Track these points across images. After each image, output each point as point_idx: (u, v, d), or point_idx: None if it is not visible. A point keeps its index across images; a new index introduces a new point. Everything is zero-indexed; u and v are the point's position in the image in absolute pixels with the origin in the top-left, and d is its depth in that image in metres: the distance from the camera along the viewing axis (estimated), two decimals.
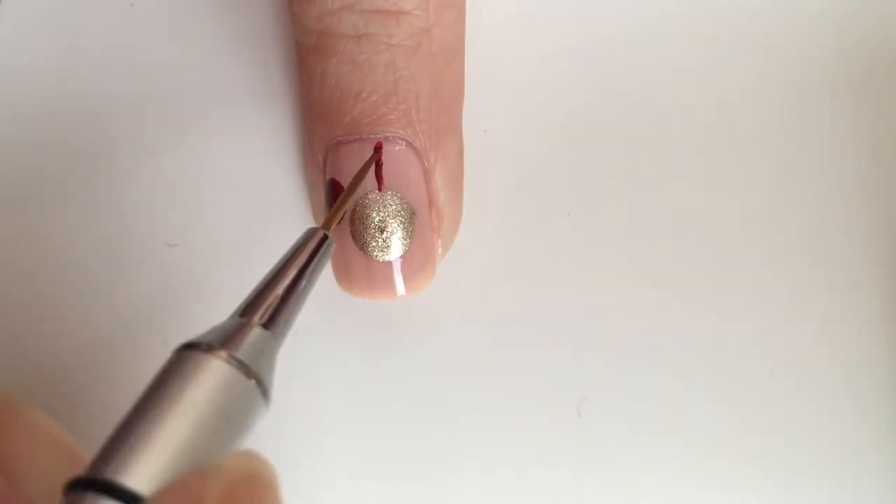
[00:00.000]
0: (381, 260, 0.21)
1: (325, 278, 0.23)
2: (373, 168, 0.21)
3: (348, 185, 0.20)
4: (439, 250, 0.22)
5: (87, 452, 0.16)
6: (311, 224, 0.23)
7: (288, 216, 0.23)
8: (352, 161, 0.21)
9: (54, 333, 0.23)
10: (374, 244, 0.21)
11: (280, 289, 0.17)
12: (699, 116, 0.24)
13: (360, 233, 0.21)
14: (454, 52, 0.22)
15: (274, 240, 0.23)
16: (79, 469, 0.14)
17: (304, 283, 0.17)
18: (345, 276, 0.21)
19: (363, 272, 0.21)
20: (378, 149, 0.21)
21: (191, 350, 0.15)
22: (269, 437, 0.22)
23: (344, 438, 0.22)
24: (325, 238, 0.18)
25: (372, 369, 0.23)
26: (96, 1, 0.24)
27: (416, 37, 0.20)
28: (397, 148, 0.21)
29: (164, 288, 0.23)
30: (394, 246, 0.21)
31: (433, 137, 0.21)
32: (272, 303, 0.17)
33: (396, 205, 0.21)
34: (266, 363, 0.16)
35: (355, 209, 0.21)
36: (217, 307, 0.23)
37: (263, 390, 0.15)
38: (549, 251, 0.23)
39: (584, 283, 0.23)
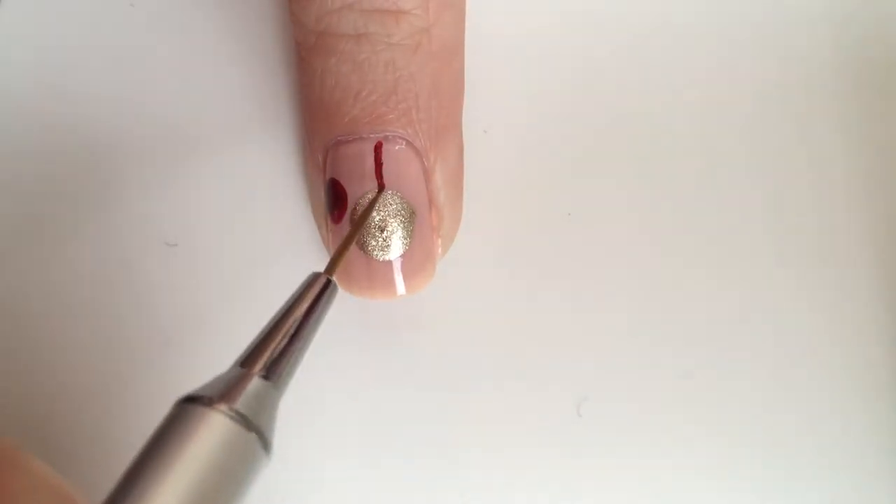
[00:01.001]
0: (381, 259, 0.21)
1: None
2: (373, 167, 0.21)
3: (353, 225, 0.20)
4: (439, 250, 0.22)
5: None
6: (311, 223, 0.23)
7: (288, 215, 0.23)
8: (352, 160, 0.21)
9: (54, 333, 0.23)
10: (374, 243, 0.21)
11: (281, 338, 0.17)
12: (699, 116, 0.24)
13: (359, 232, 0.21)
14: (454, 52, 0.22)
15: (274, 239, 0.23)
16: None
17: (306, 331, 0.17)
18: (345, 275, 0.21)
19: (363, 271, 0.21)
20: (378, 150, 0.21)
21: (191, 404, 0.15)
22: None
23: (343, 438, 0.22)
24: (328, 283, 0.18)
25: (372, 369, 0.23)
26: (96, 1, 0.24)
27: (416, 36, 0.20)
28: (397, 147, 0.21)
29: (164, 288, 0.23)
30: (394, 245, 0.21)
31: (433, 137, 0.21)
32: (273, 352, 0.16)
33: (396, 204, 0.21)
34: (267, 415, 0.16)
35: (356, 209, 0.21)
36: (217, 307, 0.23)
37: (264, 443, 0.15)
38: (549, 251, 0.23)
39: (584, 283, 0.23)
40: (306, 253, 0.23)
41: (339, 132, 0.21)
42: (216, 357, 0.23)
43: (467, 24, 0.22)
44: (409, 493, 0.22)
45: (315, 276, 0.18)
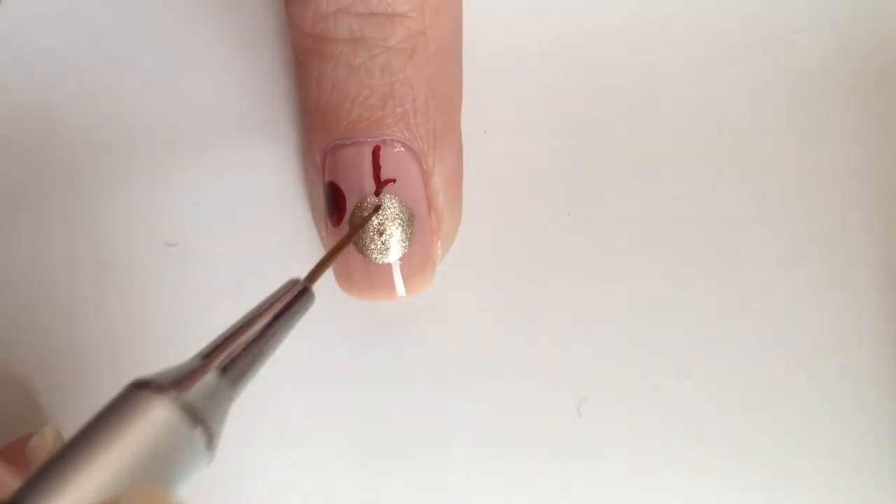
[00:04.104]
0: (380, 262, 0.21)
1: (325, 279, 0.23)
2: (371, 171, 0.21)
3: (341, 240, 0.20)
4: (439, 252, 0.22)
5: None
6: (311, 225, 0.23)
7: (288, 217, 0.23)
8: (350, 164, 0.21)
9: (53, 333, 0.23)
10: (372, 247, 0.21)
11: (245, 337, 0.16)
12: (699, 116, 0.24)
13: (359, 236, 0.21)
14: (452, 55, 0.22)
15: (274, 240, 0.23)
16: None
17: (272, 336, 0.17)
18: (345, 278, 0.21)
19: (363, 274, 0.21)
20: (376, 153, 0.21)
21: (139, 388, 0.15)
22: (268, 438, 0.22)
23: (344, 438, 0.22)
24: (304, 291, 0.18)
25: (371, 370, 0.23)
26: (96, 1, 0.24)
27: (412, 39, 0.20)
28: (395, 151, 0.21)
29: (165, 288, 0.23)
30: (392, 249, 0.21)
31: (431, 140, 0.21)
32: (235, 350, 0.16)
33: (395, 208, 0.21)
34: (217, 410, 0.15)
35: (354, 213, 0.21)
36: (216, 308, 0.23)
37: (209, 437, 0.15)
38: (549, 251, 0.23)
39: (584, 283, 0.23)
40: (306, 254, 0.23)
41: (337, 136, 0.21)
42: None
43: (467, 24, 0.22)
44: (410, 493, 0.22)
45: (293, 283, 0.18)
